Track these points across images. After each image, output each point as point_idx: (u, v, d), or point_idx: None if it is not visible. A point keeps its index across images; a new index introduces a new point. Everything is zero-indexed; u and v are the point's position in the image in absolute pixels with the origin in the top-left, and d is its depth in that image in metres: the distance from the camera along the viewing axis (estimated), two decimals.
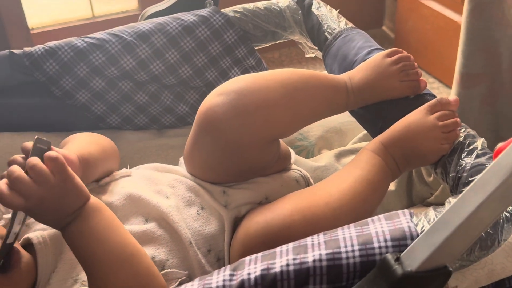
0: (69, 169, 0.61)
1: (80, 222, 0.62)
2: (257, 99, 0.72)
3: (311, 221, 0.68)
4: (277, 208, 0.72)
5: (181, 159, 0.85)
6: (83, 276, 0.68)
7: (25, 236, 0.71)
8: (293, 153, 0.90)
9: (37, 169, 0.59)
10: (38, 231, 0.71)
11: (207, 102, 0.74)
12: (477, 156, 0.69)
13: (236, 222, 0.77)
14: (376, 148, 0.76)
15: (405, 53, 0.85)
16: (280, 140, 0.82)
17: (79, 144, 0.78)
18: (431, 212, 0.59)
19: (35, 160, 0.60)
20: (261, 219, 0.71)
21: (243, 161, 0.75)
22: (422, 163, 0.79)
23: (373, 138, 0.84)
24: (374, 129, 0.86)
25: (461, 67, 1.17)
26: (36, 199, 0.59)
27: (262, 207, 0.75)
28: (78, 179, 0.62)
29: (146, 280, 0.63)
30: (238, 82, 0.74)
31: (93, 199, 0.65)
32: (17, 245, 0.67)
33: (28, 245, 0.70)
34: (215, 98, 0.73)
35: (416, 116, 0.77)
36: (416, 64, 0.84)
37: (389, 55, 0.85)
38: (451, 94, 1.24)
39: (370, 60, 0.85)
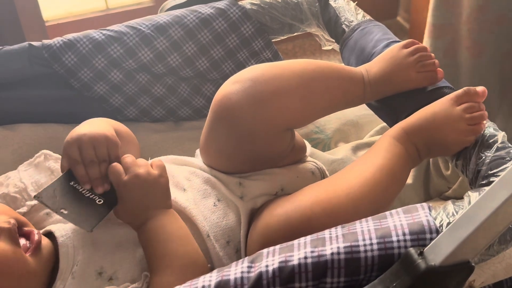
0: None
1: (162, 220, 0.69)
2: (272, 87, 0.72)
3: (332, 214, 0.68)
4: (297, 200, 0.72)
5: (197, 151, 0.86)
6: (108, 271, 0.69)
7: (47, 228, 0.72)
8: (309, 145, 0.91)
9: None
10: (60, 224, 0.72)
11: (222, 90, 0.74)
12: (497, 150, 0.69)
13: (252, 213, 0.78)
14: (398, 135, 0.75)
15: (421, 44, 0.84)
16: (296, 131, 0.82)
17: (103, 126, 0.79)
18: (450, 205, 0.59)
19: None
20: (281, 211, 0.71)
21: (257, 149, 0.75)
22: (444, 153, 0.78)
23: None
24: (391, 121, 0.85)
25: (431, 18, 1.17)
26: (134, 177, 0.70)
27: (281, 199, 0.75)
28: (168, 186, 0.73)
29: None
30: (254, 70, 0.75)
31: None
32: (39, 233, 0.69)
33: (50, 238, 0.72)
34: (230, 86, 0.74)
35: (442, 106, 0.75)
36: (433, 55, 0.83)
37: (405, 46, 0.84)
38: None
39: (387, 52, 0.85)
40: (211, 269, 0.73)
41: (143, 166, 0.71)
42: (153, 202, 0.70)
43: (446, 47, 1.20)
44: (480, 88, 0.75)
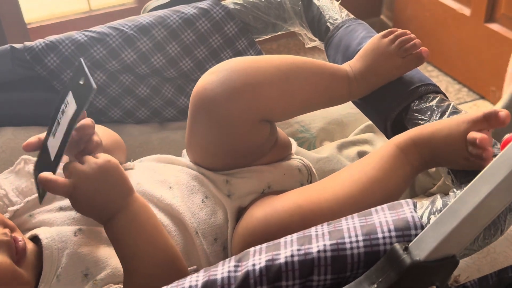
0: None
1: (126, 217, 0.65)
2: (248, 77, 0.73)
3: (311, 223, 0.62)
4: (278, 205, 0.71)
5: (184, 152, 0.86)
6: (93, 272, 0.68)
7: (33, 232, 0.72)
8: (294, 144, 0.91)
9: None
10: (44, 227, 0.72)
11: (200, 81, 0.76)
12: None
13: (240, 212, 0.78)
14: (404, 145, 0.69)
15: (400, 30, 0.84)
16: (279, 129, 0.83)
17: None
18: (438, 200, 0.59)
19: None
20: (261, 214, 0.71)
21: (235, 140, 0.76)
22: (452, 167, 0.70)
23: (379, 128, 0.83)
24: (380, 120, 0.84)
25: None
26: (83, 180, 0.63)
27: (264, 200, 0.75)
28: (122, 170, 0.65)
29: None
30: (231, 62, 0.76)
31: (137, 194, 0.67)
32: (23, 240, 0.68)
33: (35, 241, 0.71)
34: (207, 77, 0.75)
35: (455, 127, 0.67)
36: (413, 35, 0.83)
37: (384, 36, 0.84)
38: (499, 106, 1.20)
39: (367, 46, 0.84)
40: (196, 270, 0.72)
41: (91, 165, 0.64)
42: (112, 198, 0.65)
43: None
44: (503, 112, 0.63)
